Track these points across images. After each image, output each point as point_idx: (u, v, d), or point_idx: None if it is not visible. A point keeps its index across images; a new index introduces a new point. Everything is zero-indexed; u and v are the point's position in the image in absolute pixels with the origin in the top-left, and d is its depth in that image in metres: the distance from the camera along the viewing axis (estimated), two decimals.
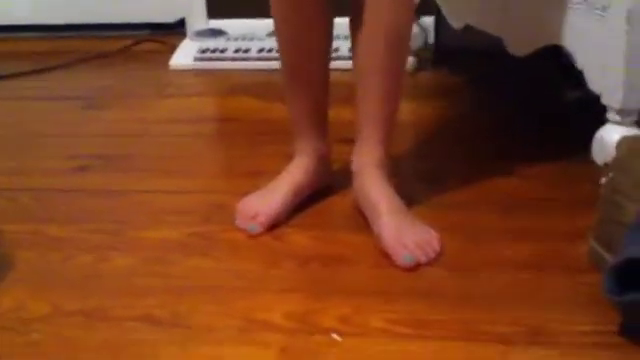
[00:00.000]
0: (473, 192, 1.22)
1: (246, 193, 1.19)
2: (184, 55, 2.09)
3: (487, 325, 0.89)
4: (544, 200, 1.20)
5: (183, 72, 2.01)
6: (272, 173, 1.20)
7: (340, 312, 0.92)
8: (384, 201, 1.08)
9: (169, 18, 2.30)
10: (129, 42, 2.24)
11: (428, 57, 1.94)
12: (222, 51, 2.08)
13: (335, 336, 0.88)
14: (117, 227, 1.17)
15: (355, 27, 1.09)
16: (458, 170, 1.32)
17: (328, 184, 1.23)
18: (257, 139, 1.50)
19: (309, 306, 0.94)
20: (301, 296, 0.97)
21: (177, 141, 1.52)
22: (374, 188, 1.10)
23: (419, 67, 1.90)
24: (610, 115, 1.19)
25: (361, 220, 1.12)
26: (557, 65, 1.56)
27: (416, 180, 1.30)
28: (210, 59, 2.05)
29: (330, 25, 1.13)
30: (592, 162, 1.23)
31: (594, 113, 1.24)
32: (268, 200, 1.15)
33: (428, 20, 1.97)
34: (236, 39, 2.17)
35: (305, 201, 1.19)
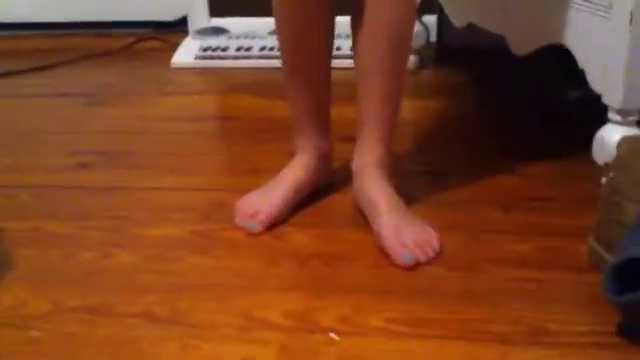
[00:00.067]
0: (473, 190, 1.22)
1: (247, 191, 1.19)
2: (186, 53, 2.09)
3: (487, 324, 0.89)
4: (545, 199, 1.19)
5: (185, 70, 2.01)
6: (273, 171, 1.20)
7: (340, 311, 0.92)
8: (384, 200, 1.08)
9: (171, 16, 2.31)
10: (131, 40, 2.24)
11: (430, 56, 1.94)
12: (224, 49, 2.09)
13: (333, 335, 0.88)
14: (118, 224, 1.17)
15: (356, 26, 1.09)
16: (459, 168, 1.32)
17: (329, 182, 1.23)
18: (258, 137, 1.50)
19: (309, 304, 0.94)
20: (301, 294, 0.97)
21: (178, 139, 1.52)
22: (374, 187, 1.10)
23: (421, 65, 1.90)
24: (611, 115, 1.19)
25: (361, 219, 1.12)
26: (559, 64, 1.56)
27: (417, 178, 1.30)
28: (212, 57, 2.05)
29: (331, 24, 1.13)
30: (593, 161, 1.23)
31: (595, 112, 1.24)
32: (268, 198, 1.15)
33: (430, 19, 1.97)
34: (238, 37, 2.17)
35: (305, 199, 1.19)
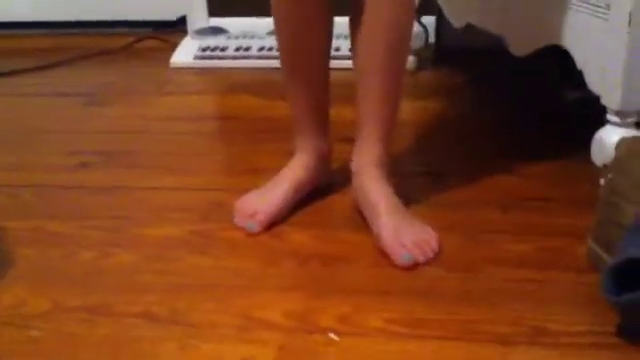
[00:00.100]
0: (472, 191, 1.23)
1: (246, 191, 1.19)
2: (185, 53, 2.09)
3: (486, 325, 0.89)
4: (544, 199, 1.20)
5: (184, 70, 2.01)
6: (272, 171, 1.20)
7: (339, 311, 0.93)
8: (383, 201, 1.08)
9: (170, 16, 2.31)
10: (131, 39, 2.24)
11: (429, 56, 1.95)
12: (223, 49, 2.09)
13: (332, 335, 0.88)
14: (118, 224, 1.17)
15: (355, 26, 1.09)
16: (458, 169, 1.32)
17: (328, 183, 1.23)
18: (257, 137, 1.50)
19: (308, 305, 0.94)
20: (300, 295, 0.97)
21: (178, 138, 1.53)
22: (373, 188, 1.10)
23: (420, 66, 1.90)
24: (609, 116, 1.19)
25: (360, 219, 1.12)
26: (558, 65, 1.56)
27: (416, 179, 1.30)
28: (211, 57, 2.05)
29: (330, 24, 1.14)
30: (592, 161, 1.23)
31: (594, 113, 1.24)
32: (267, 198, 1.15)
33: (429, 19, 1.98)
34: (237, 37, 2.17)
35: (305, 200, 1.19)
